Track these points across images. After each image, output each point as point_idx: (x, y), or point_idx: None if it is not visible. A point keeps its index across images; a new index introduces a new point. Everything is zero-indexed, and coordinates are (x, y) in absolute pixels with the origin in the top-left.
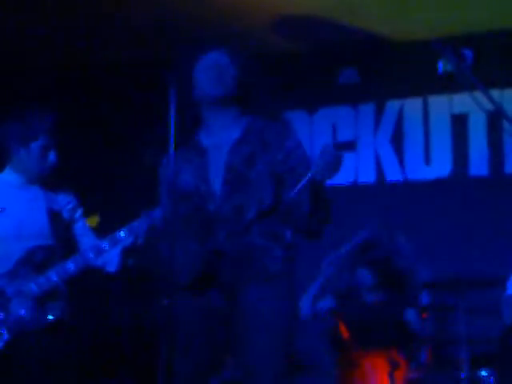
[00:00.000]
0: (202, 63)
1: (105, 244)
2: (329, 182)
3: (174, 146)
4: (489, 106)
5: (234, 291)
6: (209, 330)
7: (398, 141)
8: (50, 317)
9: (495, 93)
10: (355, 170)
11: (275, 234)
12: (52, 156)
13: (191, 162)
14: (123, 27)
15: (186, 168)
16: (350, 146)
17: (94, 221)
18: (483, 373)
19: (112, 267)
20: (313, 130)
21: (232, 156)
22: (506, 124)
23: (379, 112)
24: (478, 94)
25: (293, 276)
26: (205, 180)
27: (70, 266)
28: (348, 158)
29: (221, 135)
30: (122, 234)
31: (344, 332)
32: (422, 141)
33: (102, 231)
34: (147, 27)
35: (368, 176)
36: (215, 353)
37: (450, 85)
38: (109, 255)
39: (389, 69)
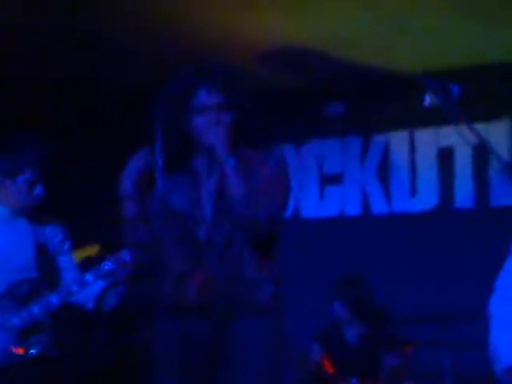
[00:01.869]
0: (199, 99)
1: (88, 277)
2: (315, 214)
3: (161, 173)
4: (474, 140)
5: (224, 322)
6: (192, 358)
7: (384, 173)
8: (33, 351)
9: (481, 127)
10: (341, 203)
11: (265, 266)
12: (39, 189)
13: (183, 186)
14: (110, 59)
15: (177, 191)
16: (336, 178)
17: (93, 250)
18: None
19: (90, 304)
20: (300, 164)
21: (222, 183)
22: (491, 158)
23: (366, 145)
24: (464, 128)
25: (282, 311)
26: (197, 204)
27: (53, 299)
28: (334, 191)
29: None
30: (106, 266)
31: (328, 367)
32: (408, 173)
33: (86, 264)
34: (134, 57)
35: (354, 208)
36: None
37: (436, 118)
38: (89, 292)
39: (375, 102)
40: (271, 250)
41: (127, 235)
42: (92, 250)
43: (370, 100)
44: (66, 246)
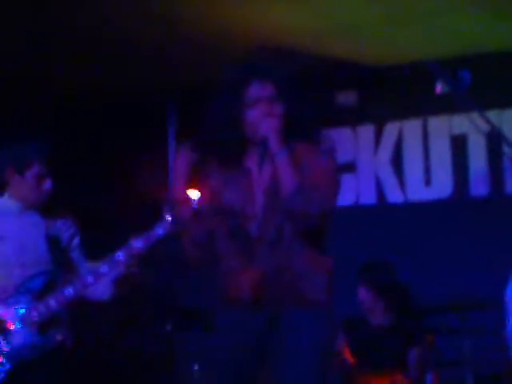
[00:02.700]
0: (251, 93)
1: (103, 267)
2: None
3: (172, 171)
4: (487, 127)
5: (276, 314)
6: (246, 348)
7: (398, 162)
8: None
9: (493, 114)
10: (356, 192)
11: (316, 259)
12: (48, 184)
13: (236, 181)
14: (121, 57)
15: (230, 186)
16: (350, 167)
17: None
18: None
19: (105, 296)
20: None
21: (274, 177)
22: (504, 145)
23: (379, 133)
24: (476, 116)
25: (332, 303)
26: (249, 200)
27: (69, 291)
28: (348, 180)
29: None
30: (119, 256)
31: (349, 356)
32: (421, 162)
33: (99, 256)
34: (146, 58)
35: (369, 197)
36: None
37: (448, 106)
38: (102, 285)
39: (388, 90)
40: (322, 243)
41: (184, 236)
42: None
43: (382, 88)
44: (77, 239)
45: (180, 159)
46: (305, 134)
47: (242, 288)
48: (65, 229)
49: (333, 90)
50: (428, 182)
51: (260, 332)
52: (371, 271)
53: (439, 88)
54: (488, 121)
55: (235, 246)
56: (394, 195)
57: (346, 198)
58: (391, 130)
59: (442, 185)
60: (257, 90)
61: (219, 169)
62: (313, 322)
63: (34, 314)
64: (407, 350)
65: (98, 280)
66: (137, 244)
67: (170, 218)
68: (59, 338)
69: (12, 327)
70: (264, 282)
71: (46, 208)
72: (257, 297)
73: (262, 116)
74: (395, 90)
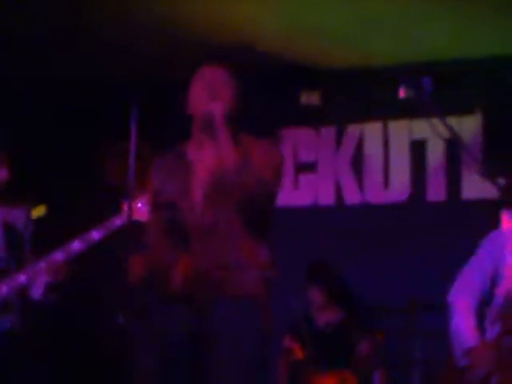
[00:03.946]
0: (199, 78)
1: (57, 255)
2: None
3: (134, 159)
4: (446, 133)
5: (209, 308)
6: (176, 344)
7: (357, 164)
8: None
9: (454, 119)
10: (315, 192)
11: (253, 253)
12: (3, 172)
13: (178, 175)
14: (88, 44)
15: (172, 180)
16: (310, 167)
17: (40, 210)
18: None
19: (37, 295)
20: None
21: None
22: (462, 151)
23: (340, 135)
24: (436, 121)
25: (268, 299)
26: (187, 192)
27: (21, 278)
28: (308, 180)
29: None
30: (75, 246)
31: (299, 353)
32: (381, 165)
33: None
34: (115, 47)
35: (327, 198)
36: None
37: (409, 111)
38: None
39: (351, 93)
40: (261, 237)
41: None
42: (39, 210)
43: (346, 90)
44: (31, 227)
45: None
46: (252, 126)
47: (174, 281)
48: (20, 217)
49: (297, 90)
50: (386, 185)
51: (191, 326)
52: (322, 271)
53: (402, 92)
54: (448, 127)
55: (171, 239)
56: (353, 197)
57: (305, 198)
58: (352, 132)
59: (400, 188)
60: (207, 70)
61: (164, 164)
62: (245, 316)
63: None
64: (355, 347)
65: (52, 267)
66: (94, 234)
67: (127, 209)
68: (8, 323)
69: None
70: (197, 276)
71: (2, 196)
72: (189, 290)
73: (208, 96)
74: (358, 93)
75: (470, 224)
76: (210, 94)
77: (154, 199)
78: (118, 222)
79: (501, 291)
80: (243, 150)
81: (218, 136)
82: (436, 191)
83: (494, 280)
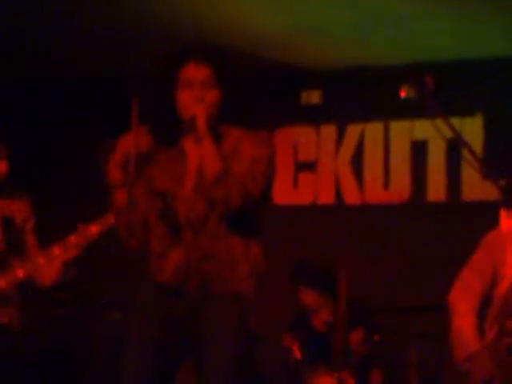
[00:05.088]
0: (183, 78)
1: (55, 250)
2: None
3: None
4: (448, 134)
5: (196, 302)
6: (166, 329)
7: (358, 164)
8: None
9: (455, 120)
10: (315, 191)
11: (243, 248)
12: (2, 164)
13: (171, 164)
14: (86, 40)
15: (167, 169)
16: (310, 166)
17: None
18: None
19: (53, 279)
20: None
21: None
22: (464, 152)
23: (341, 134)
24: (439, 121)
25: (256, 292)
26: (181, 182)
27: (20, 273)
28: (308, 179)
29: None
30: (72, 239)
31: (297, 352)
32: (381, 165)
33: (53, 238)
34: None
35: (327, 197)
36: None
37: (411, 111)
38: (50, 268)
39: (352, 92)
40: (251, 231)
41: (119, 222)
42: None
43: (347, 89)
44: (32, 221)
45: (119, 149)
46: (242, 121)
47: (165, 272)
48: (19, 210)
49: (298, 88)
50: (386, 185)
51: (181, 319)
52: (309, 271)
53: (403, 92)
54: (450, 127)
55: (163, 228)
56: (353, 196)
57: (304, 197)
58: (353, 131)
59: (400, 188)
60: (191, 71)
61: (159, 152)
62: (233, 310)
63: None
64: (350, 345)
65: (49, 262)
66: (91, 229)
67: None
68: (6, 317)
69: None
70: (187, 268)
71: (1, 188)
72: (179, 282)
73: (193, 101)
74: (360, 92)
75: (470, 225)
76: (192, 96)
77: (148, 185)
78: (112, 218)
79: (500, 291)
80: (233, 146)
81: (201, 142)
82: (436, 192)
83: (494, 280)
